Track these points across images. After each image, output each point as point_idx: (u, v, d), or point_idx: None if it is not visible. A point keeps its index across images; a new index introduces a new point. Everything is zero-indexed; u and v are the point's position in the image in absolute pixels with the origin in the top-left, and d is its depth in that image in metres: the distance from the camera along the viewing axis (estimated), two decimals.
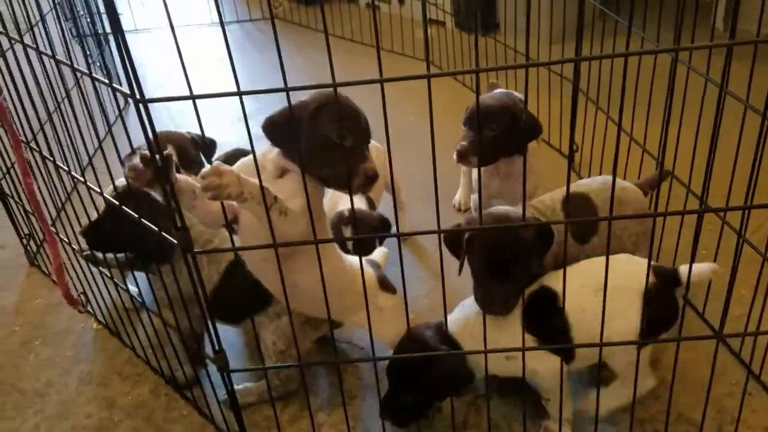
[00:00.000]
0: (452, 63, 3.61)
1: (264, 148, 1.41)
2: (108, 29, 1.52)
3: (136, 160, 1.28)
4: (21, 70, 1.75)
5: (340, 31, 4.19)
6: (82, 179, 1.66)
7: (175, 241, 1.24)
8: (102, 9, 1.64)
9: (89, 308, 2.05)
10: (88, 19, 3.45)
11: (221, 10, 1.13)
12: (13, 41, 1.78)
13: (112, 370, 1.95)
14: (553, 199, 1.78)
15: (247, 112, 1.12)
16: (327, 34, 1.02)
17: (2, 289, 2.32)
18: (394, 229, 1.97)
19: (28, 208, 2.19)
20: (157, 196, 1.63)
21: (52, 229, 1.82)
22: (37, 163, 1.91)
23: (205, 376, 1.70)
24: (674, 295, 1.52)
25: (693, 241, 1.23)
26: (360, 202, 2.03)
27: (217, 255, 1.73)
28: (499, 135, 1.82)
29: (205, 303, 1.33)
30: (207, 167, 1.19)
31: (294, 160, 1.35)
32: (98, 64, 3.45)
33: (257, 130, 1.29)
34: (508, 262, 1.47)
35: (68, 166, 1.76)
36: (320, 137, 1.31)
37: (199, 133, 1.93)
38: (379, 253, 1.91)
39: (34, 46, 1.62)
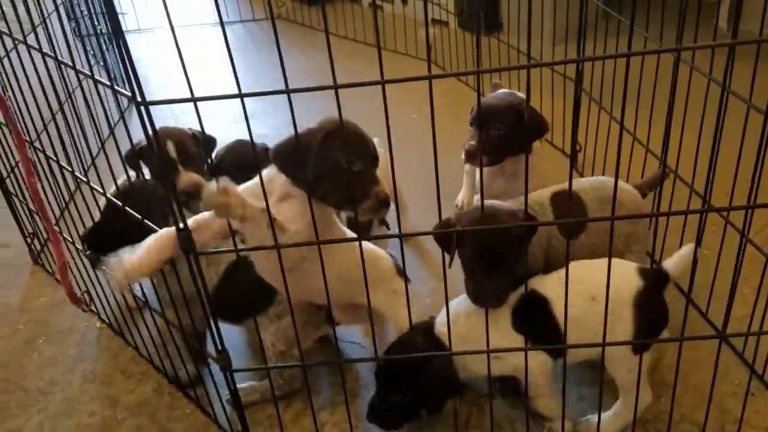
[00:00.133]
0: (455, 63, 3.61)
1: (270, 173, 1.43)
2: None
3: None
4: (25, 71, 1.75)
5: (343, 31, 4.17)
6: (85, 179, 1.66)
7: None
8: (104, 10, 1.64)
9: (93, 307, 2.06)
10: (93, 19, 3.46)
11: (221, 12, 1.13)
12: (17, 42, 1.79)
13: (115, 368, 1.96)
14: (542, 194, 1.79)
15: (248, 111, 1.13)
16: (328, 36, 1.02)
17: (6, 287, 2.33)
18: (395, 230, 1.98)
19: (32, 207, 2.20)
20: (158, 196, 1.63)
21: (56, 228, 1.83)
22: (40, 163, 1.92)
23: (208, 375, 1.70)
24: (663, 297, 1.51)
25: (696, 240, 1.23)
26: None
27: (216, 257, 1.73)
28: (505, 134, 1.83)
29: (208, 303, 1.33)
30: (214, 186, 1.21)
31: (301, 187, 1.39)
32: (101, 64, 3.46)
33: (258, 131, 1.30)
34: (498, 254, 1.48)
35: (71, 167, 1.76)
36: (330, 163, 1.36)
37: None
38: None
39: (38, 47, 1.62)
